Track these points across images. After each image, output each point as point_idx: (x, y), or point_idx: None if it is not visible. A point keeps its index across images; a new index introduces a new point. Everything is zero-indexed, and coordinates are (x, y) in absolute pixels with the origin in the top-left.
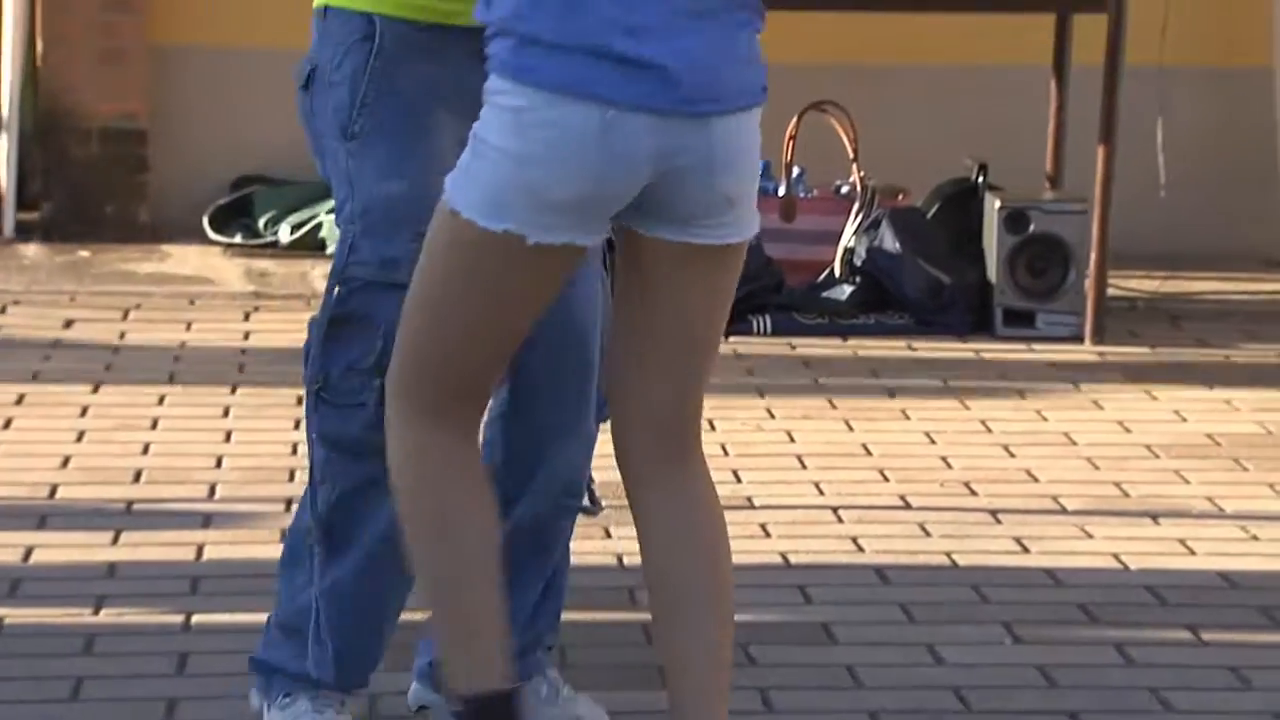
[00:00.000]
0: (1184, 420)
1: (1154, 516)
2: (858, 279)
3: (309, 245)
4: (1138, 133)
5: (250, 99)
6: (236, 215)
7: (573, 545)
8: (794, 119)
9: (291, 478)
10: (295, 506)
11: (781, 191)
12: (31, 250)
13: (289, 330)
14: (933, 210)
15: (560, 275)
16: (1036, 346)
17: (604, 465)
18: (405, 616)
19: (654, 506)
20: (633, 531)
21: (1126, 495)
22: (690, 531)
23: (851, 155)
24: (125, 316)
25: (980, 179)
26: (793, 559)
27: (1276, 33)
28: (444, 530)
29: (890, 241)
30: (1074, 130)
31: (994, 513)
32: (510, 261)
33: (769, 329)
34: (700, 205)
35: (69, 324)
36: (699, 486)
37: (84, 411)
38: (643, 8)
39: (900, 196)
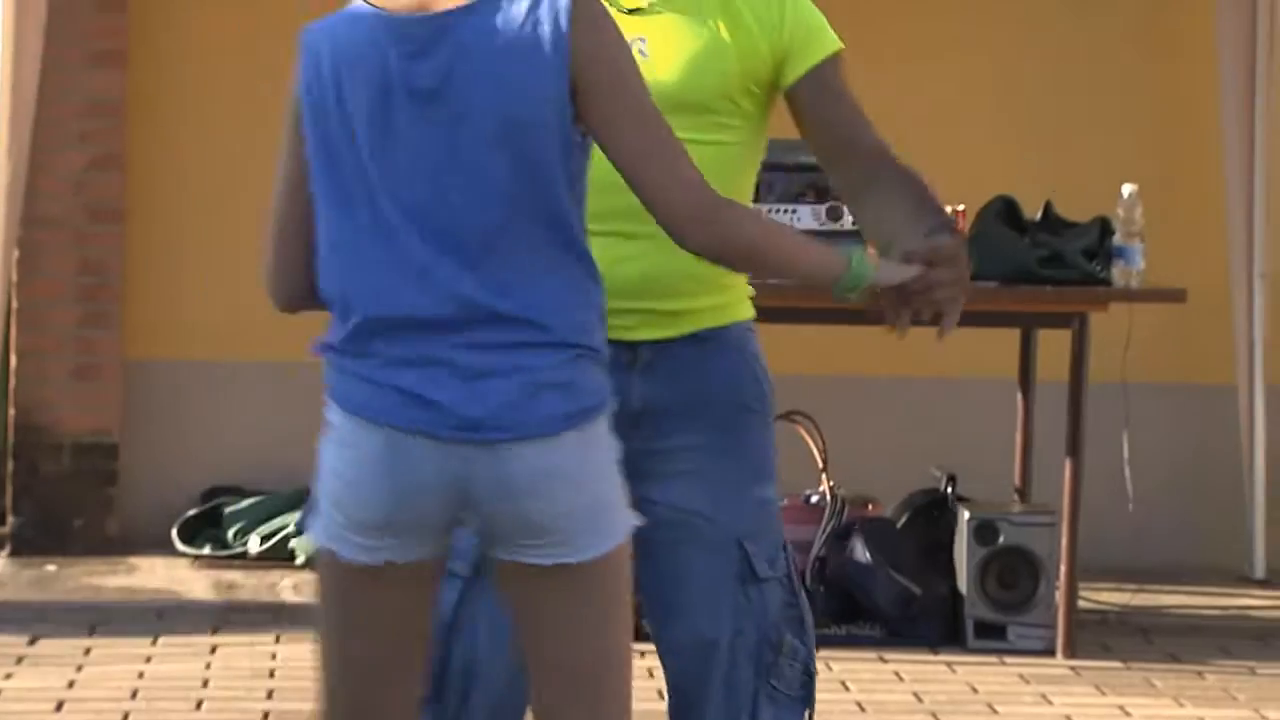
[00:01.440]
0: None
1: None
2: (827, 589)
3: (279, 555)
4: (1104, 446)
5: (222, 411)
6: (206, 526)
7: None
8: None
9: None
10: None
11: None
12: None
13: (256, 645)
14: (902, 520)
15: (412, 598)
16: (1008, 659)
17: None
18: None
19: None
20: None
21: None
22: None
23: (821, 465)
24: (91, 632)
25: (949, 490)
26: None
27: (1239, 351)
28: None
29: (861, 552)
30: (1041, 443)
31: None
32: (345, 583)
33: None
34: (512, 529)
35: (33, 640)
36: None
37: None
38: (421, 342)
39: (870, 506)
